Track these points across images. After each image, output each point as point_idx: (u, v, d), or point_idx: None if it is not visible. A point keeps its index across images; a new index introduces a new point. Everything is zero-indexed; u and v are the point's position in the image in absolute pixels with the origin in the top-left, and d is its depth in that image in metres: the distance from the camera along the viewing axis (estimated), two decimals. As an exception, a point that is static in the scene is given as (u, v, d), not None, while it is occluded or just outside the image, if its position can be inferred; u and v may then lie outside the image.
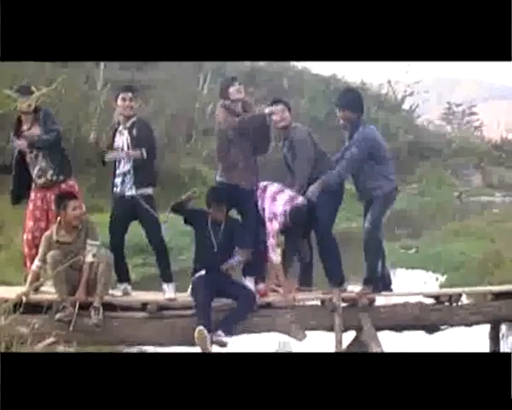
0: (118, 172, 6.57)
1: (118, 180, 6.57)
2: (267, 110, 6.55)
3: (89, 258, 6.17)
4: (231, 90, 6.59)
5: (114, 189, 6.62)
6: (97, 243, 6.28)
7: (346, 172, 6.56)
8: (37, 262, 6.30)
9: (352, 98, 6.75)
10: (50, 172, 6.68)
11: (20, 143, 6.68)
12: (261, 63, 41.19)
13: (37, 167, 6.68)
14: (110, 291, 6.47)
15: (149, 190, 6.59)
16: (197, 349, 5.91)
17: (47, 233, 6.34)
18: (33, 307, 5.93)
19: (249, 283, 6.63)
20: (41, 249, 6.28)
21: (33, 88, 6.18)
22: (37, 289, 6.29)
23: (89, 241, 6.24)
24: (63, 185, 6.72)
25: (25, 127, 6.74)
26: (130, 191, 6.51)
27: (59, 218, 6.31)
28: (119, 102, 6.58)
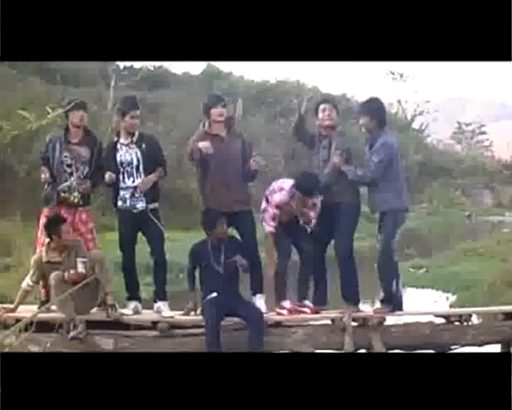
0: (124, 185, 6.58)
1: (125, 194, 6.58)
2: (199, 144, 6.48)
3: (80, 269, 6.26)
4: (213, 111, 6.66)
5: (120, 202, 6.62)
6: (86, 259, 6.34)
7: (367, 176, 6.58)
8: (28, 281, 6.45)
9: (373, 106, 6.80)
10: (76, 194, 6.64)
11: (66, 155, 6.65)
12: (271, 82, 41.41)
13: (67, 183, 6.64)
14: (120, 310, 6.51)
15: (157, 204, 6.66)
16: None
17: (36, 256, 6.49)
18: (45, 326, 5.95)
19: (259, 301, 6.65)
20: (32, 271, 6.46)
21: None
22: (48, 309, 6.32)
23: (78, 259, 6.33)
24: (80, 209, 6.70)
25: (73, 140, 6.73)
26: (141, 205, 6.54)
27: (48, 240, 6.41)
28: (128, 119, 6.60)
